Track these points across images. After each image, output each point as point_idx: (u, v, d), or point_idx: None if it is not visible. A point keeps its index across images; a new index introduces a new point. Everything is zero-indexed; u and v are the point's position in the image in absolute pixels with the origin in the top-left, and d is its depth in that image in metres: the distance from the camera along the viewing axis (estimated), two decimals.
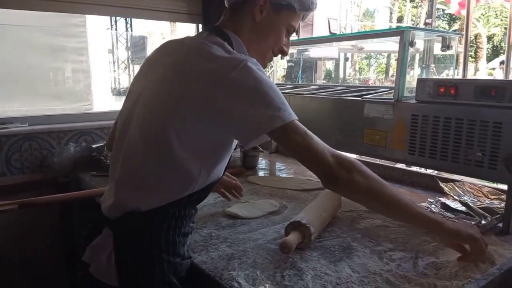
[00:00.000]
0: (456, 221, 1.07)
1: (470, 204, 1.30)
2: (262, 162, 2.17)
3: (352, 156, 2.29)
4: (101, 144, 1.93)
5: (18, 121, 1.93)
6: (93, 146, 1.93)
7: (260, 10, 1.00)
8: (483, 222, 1.22)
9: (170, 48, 1.07)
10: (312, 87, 2.21)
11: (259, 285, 0.93)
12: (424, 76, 3.36)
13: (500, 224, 1.24)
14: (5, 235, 1.83)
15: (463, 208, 1.31)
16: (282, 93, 2.07)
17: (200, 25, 2.61)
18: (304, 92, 1.94)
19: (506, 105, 1.16)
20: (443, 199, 1.39)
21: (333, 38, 2.71)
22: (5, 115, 2.01)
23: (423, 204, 1.38)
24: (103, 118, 2.17)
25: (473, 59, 20.29)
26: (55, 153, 1.89)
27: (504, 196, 1.26)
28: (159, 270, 0.93)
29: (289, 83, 3.67)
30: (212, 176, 1.02)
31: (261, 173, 2.01)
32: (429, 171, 1.78)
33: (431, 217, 0.94)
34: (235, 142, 1.04)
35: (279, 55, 1.14)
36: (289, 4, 1.01)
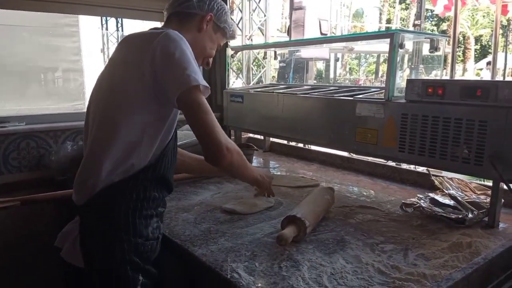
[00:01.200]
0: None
1: (459, 198, 1.37)
2: (256, 161, 2.22)
3: (344, 152, 2.38)
4: None
5: (15, 120, 1.94)
6: None
7: (205, 23, 1.21)
8: (469, 215, 1.28)
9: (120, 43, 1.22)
10: (305, 87, 2.26)
11: (258, 275, 0.97)
12: (413, 77, 3.44)
13: (486, 218, 1.30)
14: (3, 231, 1.85)
15: (451, 202, 1.37)
16: (276, 93, 2.12)
17: None
18: (298, 92, 1.99)
19: (490, 105, 1.22)
20: (432, 194, 1.45)
21: (324, 39, 2.77)
22: (2, 114, 2.02)
23: (413, 199, 1.44)
24: None
25: (461, 60, 20.60)
26: (53, 151, 1.91)
27: (490, 192, 1.32)
28: (119, 249, 1.01)
29: (282, 83, 3.72)
30: (158, 146, 1.08)
31: None
32: (421, 169, 1.85)
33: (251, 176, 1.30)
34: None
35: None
36: (224, 28, 1.27)
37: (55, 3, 2.06)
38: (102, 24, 10.09)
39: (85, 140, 1.14)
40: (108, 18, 10.00)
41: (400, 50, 1.52)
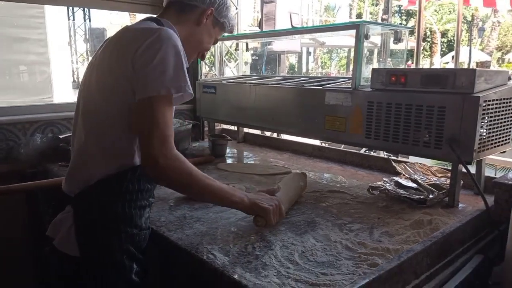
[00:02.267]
0: (263, 196, 1.20)
1: (419, 181, 1.45)
2: (229, 151, 2.25)
3: (316, 142, 2.44)
4: (68, 135, 1.93)
5: None
6: (60, 136, 1.93)
7: (205, 17, 1.19)
8: (430, 196, 1.37)
9: (109, 38, 1.19)
10: (277, 78, 2.31)
11: (232, 255, 1.01)
12: None
13: (446, 199, 1.39)
14: None
15: (414, 185, 1.45)
16: (248, 83, 2.14)
17: None
18: (269, 83, 2.03)
19: (449, 91, 1.30)
20: (396, 178, 1.53)
21: (293, 31, 2.81)
22: None
23: (379, 182, 1.52)
24: (68, 109, 2.16)
25: (429, 54, 21.26)
26: (22, 144, 1.88)
27: (449, 174, 1.41)
28: (116, 239, 1.03)
29: (254, 74, 3.75)
30: None
31: (229, 161, 2.09)
32: (386, 155, 1.93)
33: (232, 199, 1.11)
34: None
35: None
36: (224, 23, 1.25)
37: None
38: (68, 16, 9.79)
39: (76, 131, 1.12)
40: (75, 9, 9.71)
41: (366, 42, 1.58)
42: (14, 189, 1.47)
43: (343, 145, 2.62)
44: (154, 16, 1.18)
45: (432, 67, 19.34)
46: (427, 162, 1.72)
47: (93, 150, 1.05)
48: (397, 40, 1.64)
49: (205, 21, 1.19)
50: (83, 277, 1.05)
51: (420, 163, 1.64)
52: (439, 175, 1.57)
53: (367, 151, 3.20)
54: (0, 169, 1.87)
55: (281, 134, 2.96)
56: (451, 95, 1.30)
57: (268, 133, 3.25)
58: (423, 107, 1.35)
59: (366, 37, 1.52)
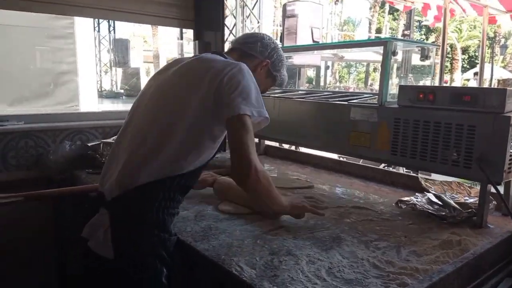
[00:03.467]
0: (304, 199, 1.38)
1: (443, 197, 1.43)
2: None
3: (334, 155, 2.43)
4: (96, 143, 1.98)
5: (13, 119, 1.96)
6: (89, 144, 1.98)
7: (261, 67, 1.34)
8: (452, 213, 1.36)
9: (176, 61, 1.31)
10: (300, 92, 2.32)
11: (259, 268, 1.01)
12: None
13: (474, 218, 1.37)
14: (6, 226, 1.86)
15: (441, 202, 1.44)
16: (272, 97, 2.17)
17: (191, 30, 2.69)
18: (293, 97, 2.05)
19: (479, 110, 1.29)
20: (428, 194, 1.52)
21: (319, 46, 2.83)
22: (0, 113, 2.03)
23: (412, 197, 1.51)
24: (96, 118, 2.22)
25: (449, 70, 21.01)
26: (51, 151, 1.93)
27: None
28: (149, 243, 1.07)
29: (277, 88, 3.79)
30: (200, 160, 1.17)
31: None
32: (402, 171, 1.91)
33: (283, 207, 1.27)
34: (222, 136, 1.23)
35: None
36: (276, 76, 1.40)
37: (55, 5, 2.09)
38: (94, 27, 10.08)
39: (124, 138, 1.20)
40: (100, 21, 10.01)
41: (392, 57, 1.59)
42: (44, 194, 1.51)
43: (361, 160, 2.61)
44: (221, 52, 1.35)
45: (453, 83, 19.07)
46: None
47: (148, 154, 1.11)
48: (424, 57, 1.63)
49: (259, 71, 1.33)
50: (116, 279, 1.08)
51: (457, 182, 1.62)
52: (474, 195, 1.55)
53: (385, 167, 3.18)
54: (30, 174, 1.94)
55: (299, 148, 2.96)
56: (481, 114, 1.29)
57: (286, 146, 3.24)
58: (452, 125, 1.34)
59: (394, 53, 1.53)
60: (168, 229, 1.11)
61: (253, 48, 1.33)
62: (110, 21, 10.62)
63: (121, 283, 1.07)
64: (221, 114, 1.12)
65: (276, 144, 2.62)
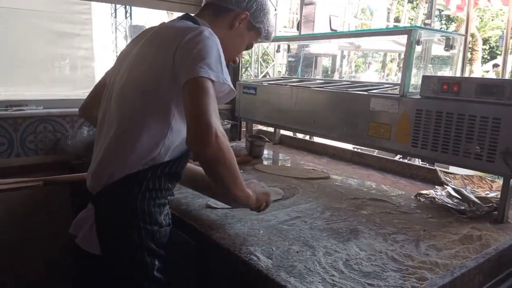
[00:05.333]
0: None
1: (463, 191, 1.40)
2: (266, 152, 2.25)
3: (348, 146, 2.39)
4: None
5: (33, 103, 1.98)
6: None
7: (239, 22, 1.18)
8: (472, 208, 1.33)
9: (146, 31, 1.20)
10: (318, 81, 2.29)
11: (276, 258, 1.01)
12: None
13: (495, 213, 1.33)
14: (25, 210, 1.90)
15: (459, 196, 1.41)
16: (289, 86, 2.13)
17: None
18: (311, 86, 2.01)
19: (505, 102, 1.25)
20: (448, 188, 1.49)
21: (339, 34, 2.77)
22: (19, 98, 2.06)
23: (432, 190, 1.48)
24: None
25: (469, 62, 20.50)
26: (69, 136, 1.95)
27: None
28: (137, 236, 1.02)
29: (294, 77, 3.74)
30: (182, 143, 1.08)
31: (265, 162, 2.09)
32: (418, 163, 1.88)
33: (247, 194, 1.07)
34: None
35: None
36: (259, 28, 1.23)
37: None
38: (111, 13, 10.10)
39: (102, 129, 1.13)
40: (117, 6, 10.01)
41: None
42: (62, 179, 1.53)
43: (376, 151, 2.56)
44: (192, 15, 1.18)
45: (472, 75, 18.60)
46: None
47: (122, 146, 1.04)
48: (449, 47, 1.58)
49: (237, 25, 1.18)
50: (105, 274, 1.05)
51: (479, 176, 1.59)
52: (495, 189, 1.51)
53: (401, 158, 3.12)
54: (48, 159, 1.96)
55: (313, 138, 2.93)
56: (508, 107, 1.25)
57: (300, 135, 3.21)
58: (477, 117, 1.30)
59: (418, 43, 1.48)
60: (157, 221, 1.06)
61: (228, 0, 1.16)
62: (127, 7, 10.61)
63: (110, 279, 1.05)
64: (180, 84, 0.98)
65: (290, 134, 2.60)
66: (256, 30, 1.23)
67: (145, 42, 1.12)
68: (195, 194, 1.48)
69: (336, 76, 15.05)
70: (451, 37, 1.58)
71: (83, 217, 1.11)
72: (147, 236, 1.04)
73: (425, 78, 1.44)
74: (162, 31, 1.11)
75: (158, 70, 1.02)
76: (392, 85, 1.85)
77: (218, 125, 0.92)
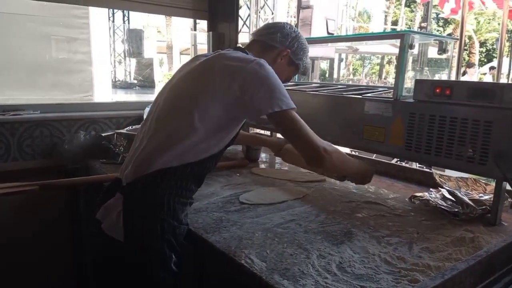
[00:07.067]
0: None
1: (457, 194, 1.41)
2: (263, 156, 2.26)
3: (346, 150, 2.42)
4: (110, 133, 2.00)
5: (30, 108, 1.99)
6: (103, 134, 2.00)
7: (281, 57, 1.37)
8: (465, 210, 1.35)
9: (197, 57, 1.33)
10: (313, 85, 2.30)
11: (270, 261, 1.02)
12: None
13: (488, 215, 1.34)
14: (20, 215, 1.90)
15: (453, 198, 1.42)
16: (285, 89, 2.15)
17: (205, 21, 2.68)
18: (307, 89, 2.03)
19: (496, 106, 1.26)
20: (443, 190, 1.50)
21: (334, 38, 2.79)
22: (16, 103, 2.07)
23: (426, 193, 1.51)
24: (110, 108, 2.24)
25: (465, 64, 20.57)
26: (66, 140, 1.96)
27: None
28: (160, 228, 1.09)
29: (291, 80, 3.76)
30: (210, 151, 1.19)
31: (262, 166, 2.10)
32: (415, 166, 1.89)
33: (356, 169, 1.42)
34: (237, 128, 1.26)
35: None
36: (298, 64, 1.43)
37: None
38: (109, 17, 10.13)
39: (144, 126, 1.25)
40: (115, 11, 10.04)
41: (409, 51, 1.56)
42: (58, 184, 1.54)
43: (374, 155, 2.58)
44: (242, 47, 1.36)
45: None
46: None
47: (166, 142, 1.14)
48: (442, 50, 1.60)
49: (280, 61, 1.36)
50: (125, 261, 1.10)
51: (473, 179, 1.60)
52: (489, 191, 1.52)
53: (398, 162, 3.14)
54: (44, 163, 1.97)
55: None
56: (499, 110, 1.26)
57: None
58: (469, 121, 1.31)
59: (411, 47, 1.50)
60: (178, 217, 1.13)
61: (274, 38, 1.35)
62: (125, 11, 10.64)
63: (130, 266, 1.09)
64: (247, 111, 1.17)
65: None
66: (295, 65, 1.42)
67: (203, 63, 1.23)
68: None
69: (335, 78, 15.09)
70: (444, 41, 1.60)
71: (111, 204, 1.15)
72: (169, 229, 1.10)
73: (418, 82, 1.45)
74: (221, 58, 1.22)
75: (215, 92, 1.15)
76: (386, 89, 1.86)
77: (321, 141, 1.19)
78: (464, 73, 8.56)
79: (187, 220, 1.20)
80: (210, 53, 1.33)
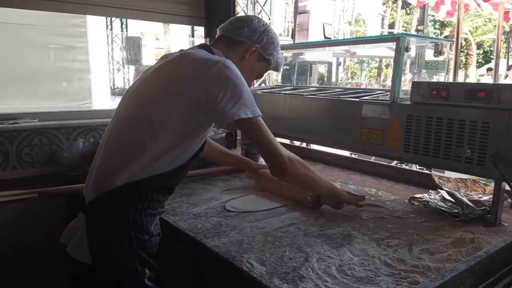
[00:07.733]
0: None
1: (456, 195, 1.42)
2: (261, 160, 2.26)
3: (346, 153, 2.42)
4: None
5: (28, 116, 1.99)
6: None
7: (249, 53, 1.28)
8: (465, 211, 1.34)
9: (164, 57, 1.27)
10: (311, 89, 2.31)
11: (269, 265, 1.02)
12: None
13: (488, 216, 1.34)
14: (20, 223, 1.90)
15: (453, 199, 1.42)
16: (283, 94, 2.17)
17: (202, 28, 2.70)
18: (304, 93, 2.04)
19: (493, 107, 1.27)
20: (442, 192, 1.50)
21: (330, 42, 2.81)
22: (15, 111, 2.07)
23: (425, 194, 1.50)
24: (109, 115, 2.23)
25: (463, 66, 20.65)
26: (65, 148, 1.96)
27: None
28: (128, 245, 1.05)
29: (288, 84, 3.77)
30: (177, 161, 1.15)
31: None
32: (416, 168, 1.89)
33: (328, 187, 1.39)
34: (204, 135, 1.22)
35: None
36: (269, 60, 1.33)
37: (67, 3, 2.11)
38: (107, 25, 10.17)
39: (105, 138, 1.18)
40: (113, 19, 10.09)
41: (405, 53, 1.57)
42: (58, 191, 1.53)
43: (373, 157, 2.58)
44: (205, 43, 1.30)
45: (467, 79, 18.71)
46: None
47: (127, 155, 1.09)
48: (438, 53, 1.61)
49: (248, 57, 1.28)
50: (97, 283, 1.07)
51: (473, 180, 1.60)
52: (487, 191, 1.52)
53: (398, 164, 3.14)
54: (43, 171, 1.96)
55: (310, 144, 2.94)
56: (496, 110, 1.27)
57: (297, 143, 3.23)
58: (466, 122, 1.32)
59: (407, 49, 1.51)
60: (148, 230, 1.09)
61: (241, 33, 1.26)
62: (123, 19, 10.69)
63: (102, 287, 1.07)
64: (213, 118, 1.13)
65: (287, 141, 2.61)
66: (266, 61, 1.33)
67: (164, 66, 1.18)
68: (190, 203, 1.49)
69: (333, 82, 15.11)
70: (439, 43, 1.61)
71: (73, 227, 1.13)
72: (138, 245, 1.06)
73: (414, 84, 1.46)
74: (182, 60, 1.17)
75: (177, 98, 1.09)
76: (384, 91, 1.87)
77: (284, 151, 1.17)
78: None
79: (159, 230, 1.16)
80: (175, 52, 1.26)
